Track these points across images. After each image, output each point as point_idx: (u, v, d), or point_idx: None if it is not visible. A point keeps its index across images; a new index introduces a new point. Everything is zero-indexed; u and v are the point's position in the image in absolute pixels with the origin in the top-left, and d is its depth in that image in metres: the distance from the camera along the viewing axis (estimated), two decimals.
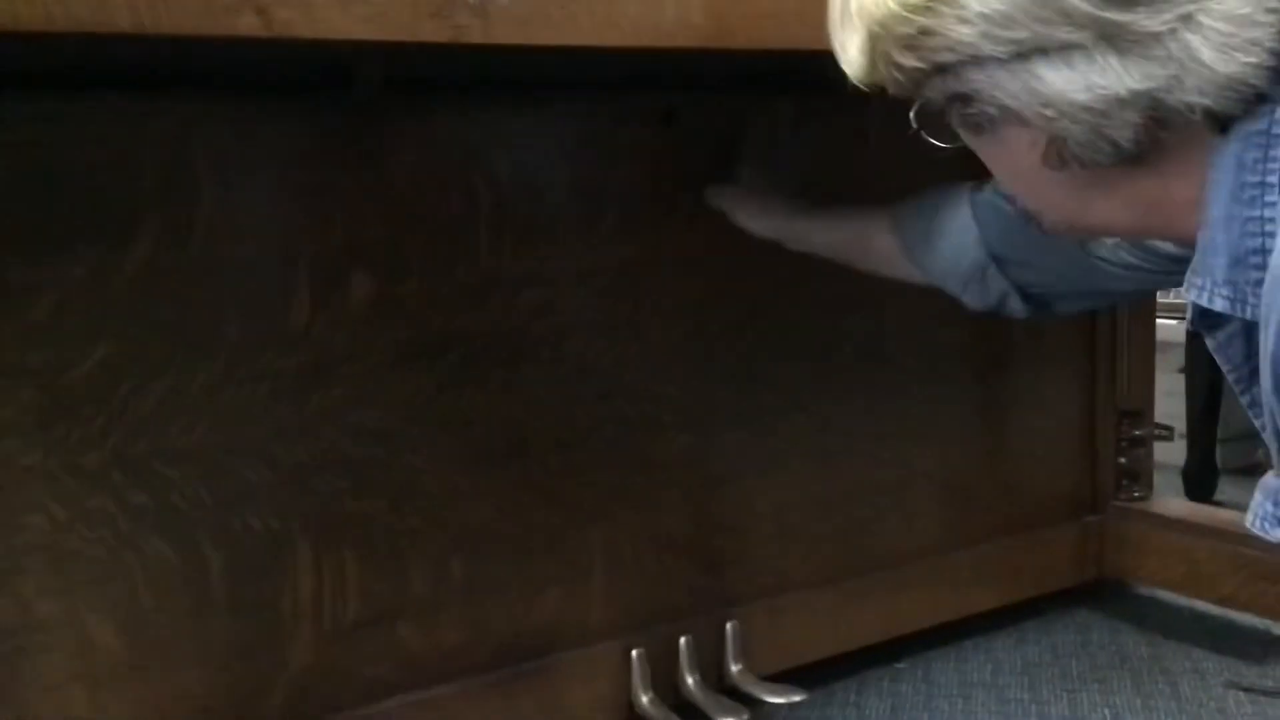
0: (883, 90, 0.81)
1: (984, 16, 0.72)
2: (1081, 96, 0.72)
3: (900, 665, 1.53)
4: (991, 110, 0.75)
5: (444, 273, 1.19)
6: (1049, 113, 0.73)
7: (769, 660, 1.41)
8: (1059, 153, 0.76)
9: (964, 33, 0.72)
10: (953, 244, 1.15)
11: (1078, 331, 1.67)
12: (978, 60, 0.73)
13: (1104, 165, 0.75)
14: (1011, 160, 0.80)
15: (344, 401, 1.15)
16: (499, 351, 1.23)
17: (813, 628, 1.46)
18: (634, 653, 1.32)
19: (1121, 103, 0.72)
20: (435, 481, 1.21)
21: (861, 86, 0.81)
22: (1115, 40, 0.71)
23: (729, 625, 1.38)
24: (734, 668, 1.38)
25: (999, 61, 0.73)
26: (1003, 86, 0.73)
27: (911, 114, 0.81)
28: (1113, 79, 0.71)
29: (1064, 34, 0.71)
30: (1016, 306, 1.16)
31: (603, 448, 1.30)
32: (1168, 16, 0.70)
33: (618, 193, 1.28)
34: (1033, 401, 1.65)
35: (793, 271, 1.41)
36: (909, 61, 0.75)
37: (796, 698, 1.35)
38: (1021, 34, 0.71)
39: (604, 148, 1.26)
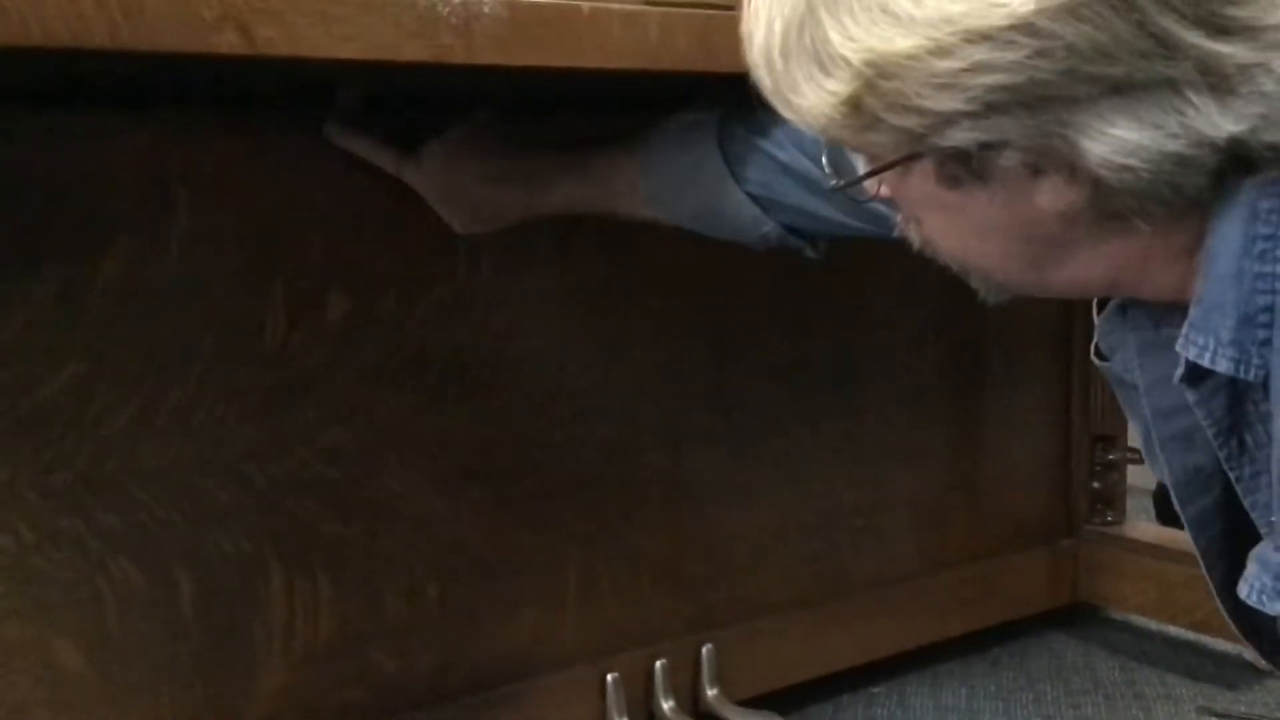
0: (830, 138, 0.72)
1: (1072, 49, 0.61)
2: (1170, 145, 0.63)
3: (876, 690, 1.53)
4: (1028, 158, 0.66)
5: (421, 292, 1.18)
6: (1119, 160, 0.63)
7: (745, 684, 1.40)
8: (1101, 206, 0.67)
9: (1042, 66, 0.62)
10: (733, 220, 1.03)
11: (1053, 356, 1.68)
12: (1042, 101, 0.63)
13: (1153, 216, 0.67)
14: (1000, 216, 0.70)
15: (318, 421, 1.14)
16: (475, 371, 1.22)
17: (789, 651, 1.45)
18: (609, 677, 1.31)
19: (1213, 148, 0.64)
20: (410, 503, 1.20)
21: (804, 130, 0.72)
22: (1211, 75, 0.63)
23: (704, 649, 1.37)
24: (710, 691, 1.37)
25: (1069, 102, 0.63)
26: (1058, 133, 0.64)
27: (824, 159, 0.76)
28: (1206, 121, 0.63)
29: (1160, 69, 0.62)
30: (812, 254, 1.07)
31: (579, 469, 1.30)
32: (1262, 45, 0.63)
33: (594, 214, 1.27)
34: (1008, 426, 1.65)
35: (770, 293, 1.41)
36: (942, 104, 0.64)
37: None
38: (1114, 70, 0.62)
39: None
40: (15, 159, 0.97)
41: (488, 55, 0.84)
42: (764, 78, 0.71)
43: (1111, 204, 0.67)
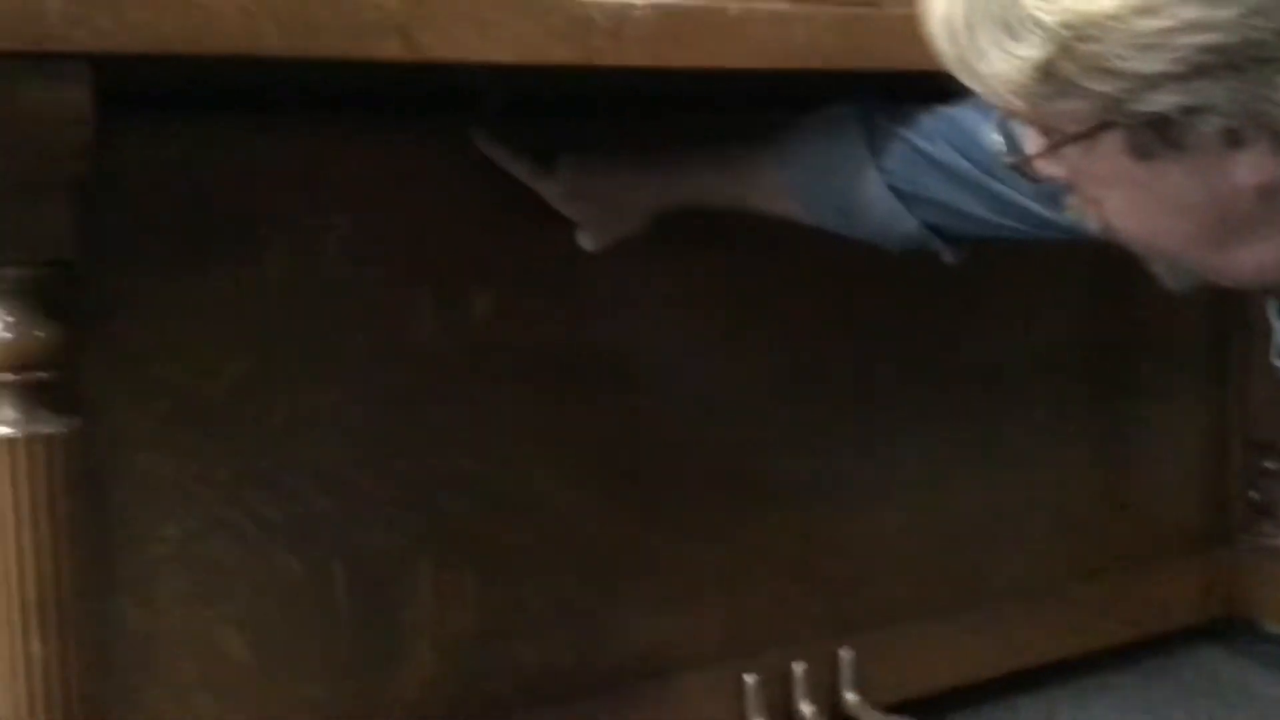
0: (1022, 111, 0.68)
1: None
2: None
3: (1020, 700, 1.49)
4: (1230, 125, 0.63)
5: (563, 291, 1.20)
6: None
7: (885, 690, 1.38)
8: None
9: (1258, 25, 0.59)
10: (874, 216, 1.01)
11: (1207, 357, 1.62)
12: (1254, 63, 0.60)
13: None
14: (1193, 191, 0.67)
15: (464, 419, 1.17)
16: (613, 371, 1.24)
17: (929, 659, 1.43)
18: (748, 678, 1.31)
19: None
20: (551, 499, 1.22)
21: (991, 100, 0.69)
22: None
23: (843, 652, 1.36)
24: (849, 696, 1.36)
25: (1263, 64, 0.60)
26: (1267, 97, 0.61)
27: (996, 131, 0.71)
28: None
29: None
30: (949, 258, 1.05)
31: (714, 467, 1.30)
32: None
33: (730, 212, 1.28)
34: (1158, 430, 1.60)
35: (907, 289, 1.40)
36: (1145, 66, 0.61)
37: None
38: None
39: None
40: (183, 163, 1.03)
41: (636, 57, 0.85)
42: (946, 48, 0.69)
43: None
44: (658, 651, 1.28)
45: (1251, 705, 1.48)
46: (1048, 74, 0.64)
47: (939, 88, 0.86)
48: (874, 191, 1.01)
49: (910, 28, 0.92)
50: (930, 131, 0.98)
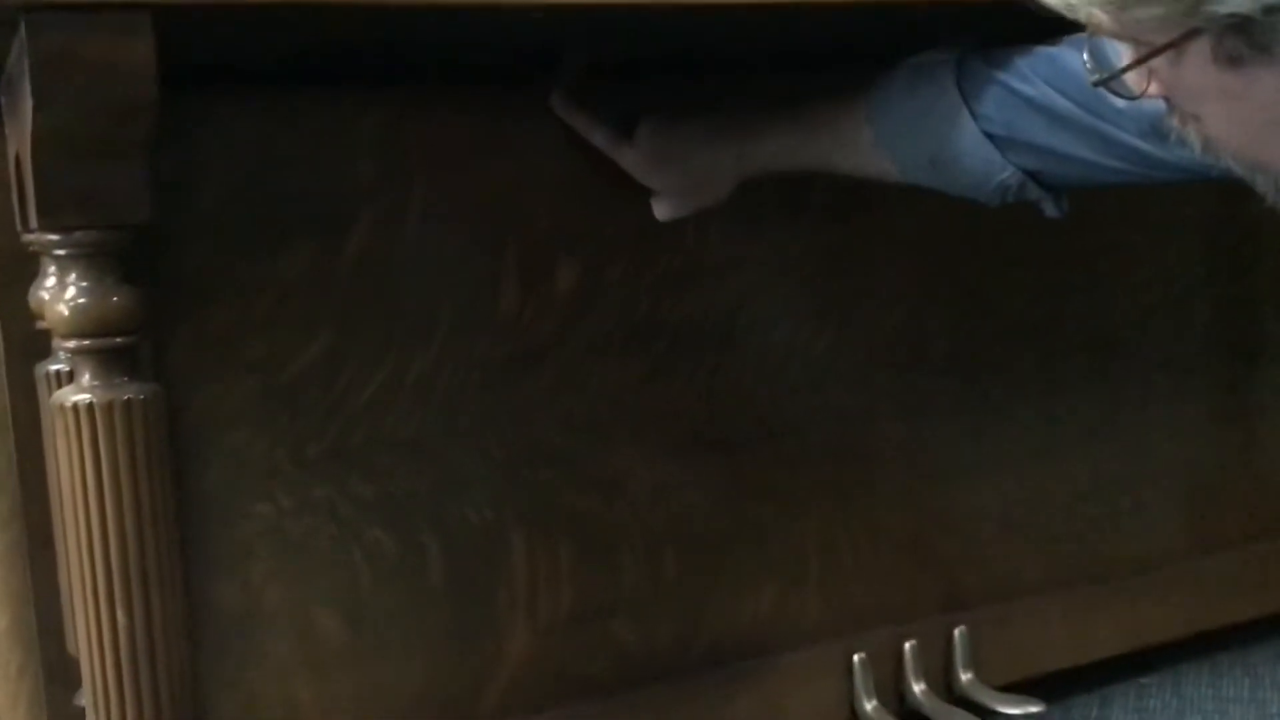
0: (1094, 20, 0.66)
1: None
2: None
3: (1147, 680, 1.42)
4: None
5: (649, 260, 1.17)
6: None
7: (1001, 669, 1.33)
8: None
9: None
10: (969, 165, 0.96)
11: None
12: None
13: None
14: None
15: (553, 390, 1.14)
16: (706, 339, 1.20)
17: (1047, 636, 1.37)
18: (855, 657, 1.26)
19: None
20: (644, 473, 1.19)
21: (1068, 14, 0.67)
22: None
23: (957, 631, 1.31)
24: (964, 676, 1.31)
25: None
26: None
27: (1085, 54, 0.68)
28: None
29: None
30: (1051, 210, 1.00)
31: (815, 438, 1.26)
32: None
33: (826, 174, 1.24)
34: None
35: (1015, 252, 1.34)
36: None
37: (1034, 709, 1.27)
38: None
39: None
40: (263, 139, 1.02)
41: None
42: None
43: None
44: (760, 629, 1.25)
45: None
46: None
47: (1019, 20, 0.81)
48: (968, 139, 0.96)
49: None
50: (1027, 72, 0.93)
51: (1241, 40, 0.63)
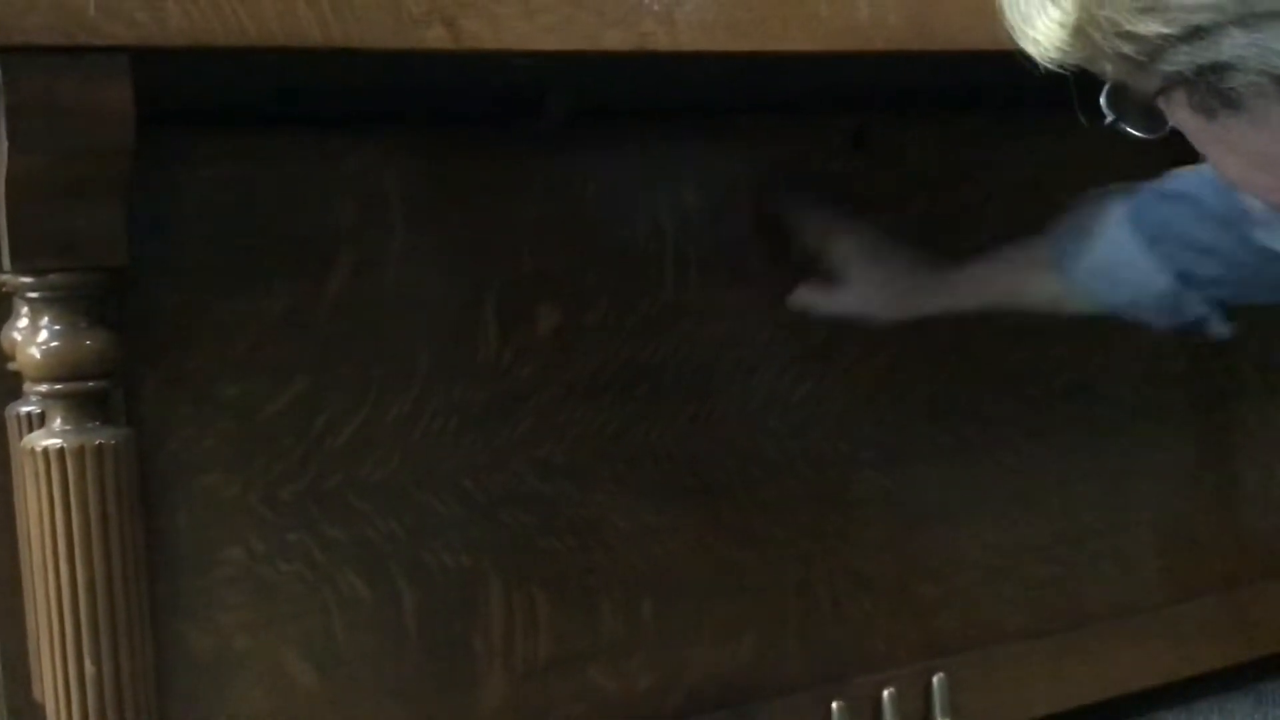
0: (1080, 71, 0.68)
1: None
2: None
3: None
4: (1260, 81, 0.61)
5: (629, 304, 1.17)
6: None
7: (980, 717, 1.32)
8: None
9: None
10: (1128, 275, 1.03)
11: None
12: (1253, 17, 0.59)
13: None
14: (1269, 144, 0.66)
15: (532, 435, 1.13)
16: (686, 385, 1.20)
17: (1027, 683, 1.36)
18: (834, 705, 1.25)
19: None
20: (624, 519, 1.18)
21: (1051, 66, 0.68)
22: None
23: (936, 678, 1.30)
24: None
25: (1268, 18, 0.59)
26: (1270, 49, 0.60)
27: (1105, 104, 0.71)
28: None
29: None
30: (1218, 329, 1.05)
31: (795, 485, 1.25)
32: None
33: (807, 220, 1.24)
34: (1264, 439, 1.52)
35: None
36: (1148, 28, 0.61)
37: None
38: None
39: (791, 173, 1.23)
40: (243, 180, 1.01)
41: (691, 42, 0.82)
42: (1006, 13, 0.69)
43: None
44: (739, 677, 1.23)
45: None
46: (1080, 36, 0.65)
47: (1004, 69, 0.82)
48: (1126, 247, 1.02)
49: (977, 5, 0.88)
50: (1187, 186, 0.99)
51: (1208, 94, 0.63)
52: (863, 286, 1.14)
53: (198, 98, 0.95)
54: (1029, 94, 0.72)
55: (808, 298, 1.17)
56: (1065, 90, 0.71)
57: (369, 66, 0.81)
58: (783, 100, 1.19)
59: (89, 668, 0.74)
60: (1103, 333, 1.42)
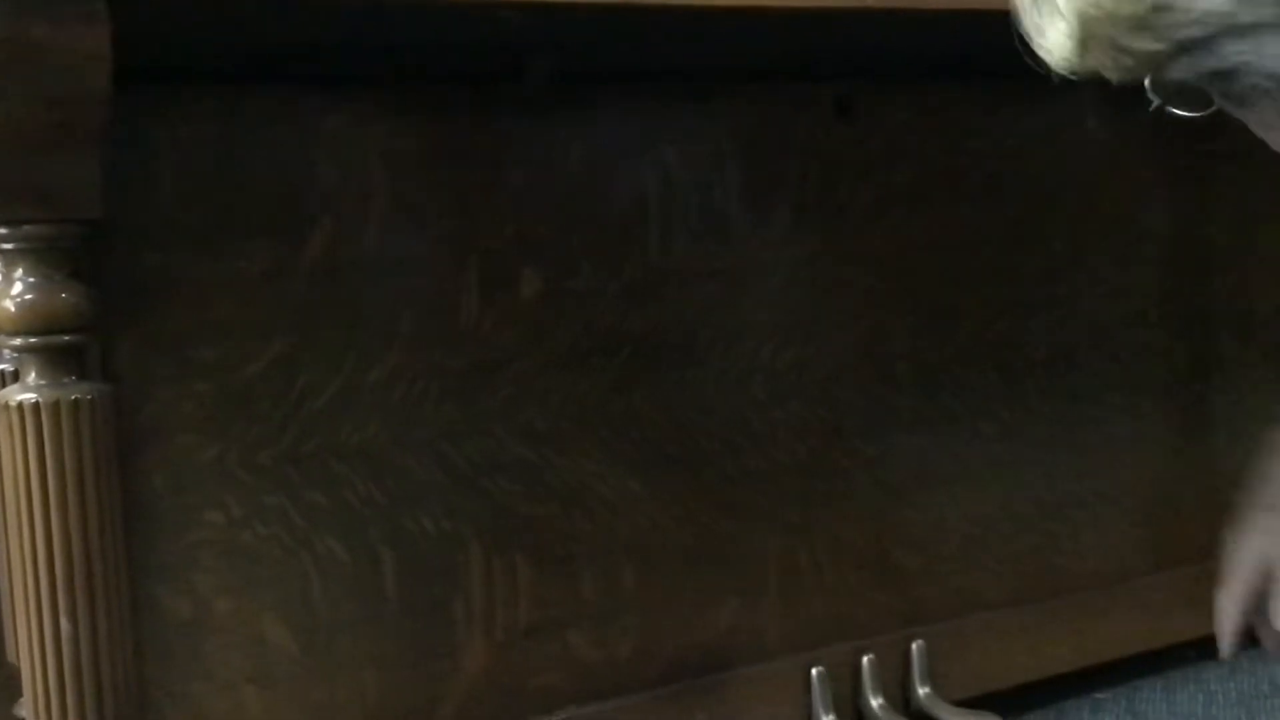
0: (1097, 76, 0.71)
1: None
2: None
3: (1101, 695, 1.42)
4: (1264, 84, 0.63)
5: (613, 270, 1.16)
6: None
7: (958, 684, 1.32)
8: None
9: (1213, 2, 0.60)
10: None
11: None
12: (1237, 29, 0.61)
13: None
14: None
15: (514, 401, 1.13)
16: (670, 352, 1.19)
17: (1005, 651, 1.37)
18: (814, 671, 1.25)
19: None
20: (606, 485, 1.17)
21: (1066, 74, 0.68)
22: None
23: (915, 645, 1.30)
24: (921, 690, 1.30)
25: (1267, 27, 0.60)
26: (1276, 55, 0.61)
27: (1148, 89, 0.71)
28: None
29: None
30: None
31: (777, 453, 1.25)
32: None
33: (791, 187, 1.23)
34: (1240, 411, 1.52)
35: (978, 269, 1.34)
36: (1143, 45, 0.63)
37: None
38: None
39: (776, 140, 1.22)
40: (222, 139, 1.00)
41: None
42: (1024, 22, 0.69)
43: None
44: (719, 644, 1.23)
45: None
46: (1085, 47, 0.65)
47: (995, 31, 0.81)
48: None
49: None
50: None
51: (1221, 94, 0.64)
52: None
53: (178, 54, 0.93)
54: (1015, 61, 0.71)
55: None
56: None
57: (351, 22, 0.80)
58: (768, 66, 1.18)
59: (65, 625, 0.73)
60: (1084, 304, 1.42)
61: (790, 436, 1.26)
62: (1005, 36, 0.74)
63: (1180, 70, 0.63)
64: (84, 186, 0.71)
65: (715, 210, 1.21)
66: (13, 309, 0.73)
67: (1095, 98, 0.72)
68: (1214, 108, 0.69)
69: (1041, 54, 0.69)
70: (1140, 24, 0.62)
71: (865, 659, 1.28)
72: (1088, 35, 0.65)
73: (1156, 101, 0.72)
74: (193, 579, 1.01)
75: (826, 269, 1.27)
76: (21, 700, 0.81)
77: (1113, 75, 0.66)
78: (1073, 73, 0.68)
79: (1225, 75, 0.62)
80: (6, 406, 0.73)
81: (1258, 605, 0.99)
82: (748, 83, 1.20)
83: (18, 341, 0.74)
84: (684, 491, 1.21)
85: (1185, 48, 0.62)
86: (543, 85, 1.11)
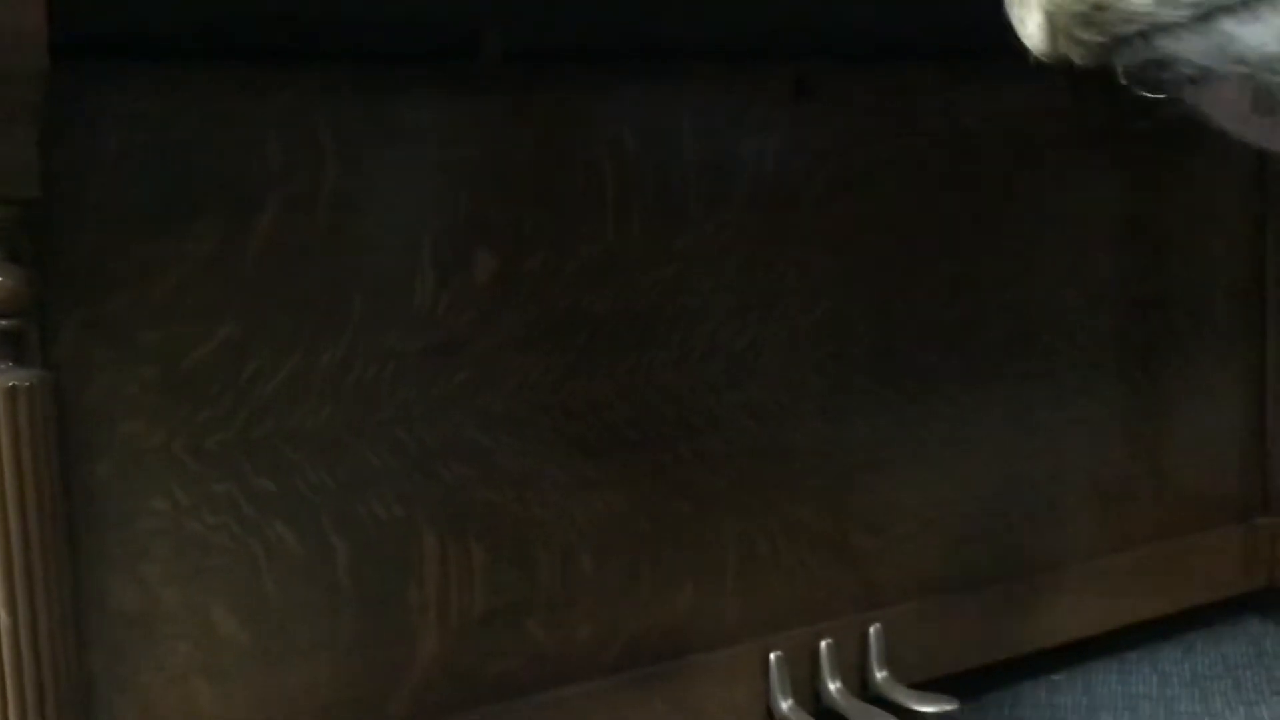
0: (1068, 62, 0.74)
1: None
2: (1275, 48, 0.64)
3: (1058, 677, 1.43)
4: (1189, 71, 0.66)
5: (569, 251, 1.14)
6: (1243, 69, 0.65)
7: (916, 667, 1.33)
8: (1266, 103, 0.69)
9: (1139, 3, 0.65)
10: None
11: (1244, 319, 1.56)
12: (1161, 27, 0.65)
13: None
14: (1228, 110, 0.71)
15: (468, 384, 1.11)
16: (627, 333, 1.18)
17: (962, 633, 1.37)
18: (772, 655, 1.25)
19: None
20: (562, 470, 1.16)
21: (1045, 60, 0.76)
22: None
23: (873, 629, 1.30)
24: (879, 674, 1.30)
25: (1182, 26, 0.65)
26: (1194, 48, 0.65)
27: (1120, 76, 0.74)
28: None
29: None
30: None
31: (735, 436, 1.24)
32: None
33: (748, 168, 1.22)
34: (1196, 392, 1.54)
35: (935, 250, 1.34)
36: (1089, 37, 0.68)
37: (949, 707, 1.27)
38: None
39: (734, 120, 1.21)
40: (165, 116, 0.97)
41: None
42: (1007, 8, 0.73)
43: (1273, 100, 0.65)
44: (677, 628, 1.23)
45: None
46: (1054, 39, 0.69)
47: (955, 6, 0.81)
48: None
49: None
50: None
51: (1165, 79, 0.68)
52: None
53: (119, 27, 0.90)
54: (969, 39, 0.71)
55: None
56: (1007, 39, 0.72)
57: None
58: (726, 45, 1.17)
59: (3, 618, 0.71)
60: (1040, 286, 1.42)
61: (747, 419, 1.25)
62: (962, 15, 0.74)
63: (1125, 58, 0.67)
64: (21, 166, 0.69)
65: (672, 191, 1.19)
66: None
67: (1054, 83, 0.73)
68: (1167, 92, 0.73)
69: (1025, 41, 0.72)
70: (1086, 20, 0.67)
71: (823, 643, 1.27)
72: (1053, 28, 0.69)
73: (1124, 83, 0.75)
74: (140, 569, 0.99)
75: (784, 250, 1.26)
76: None
77: (1080, 62, 0.70)
78: (1049, 59, 0.72)
79: (1160, 65, 0.66)
80: None
81: None
82: (705, 62, 1.19)
83: None
84: (640, 475, 1.20)
85: (1124, 40, 0.66)
86: (497, 63, 1.09)
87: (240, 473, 1.03)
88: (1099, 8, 0.66)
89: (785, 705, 1.25)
